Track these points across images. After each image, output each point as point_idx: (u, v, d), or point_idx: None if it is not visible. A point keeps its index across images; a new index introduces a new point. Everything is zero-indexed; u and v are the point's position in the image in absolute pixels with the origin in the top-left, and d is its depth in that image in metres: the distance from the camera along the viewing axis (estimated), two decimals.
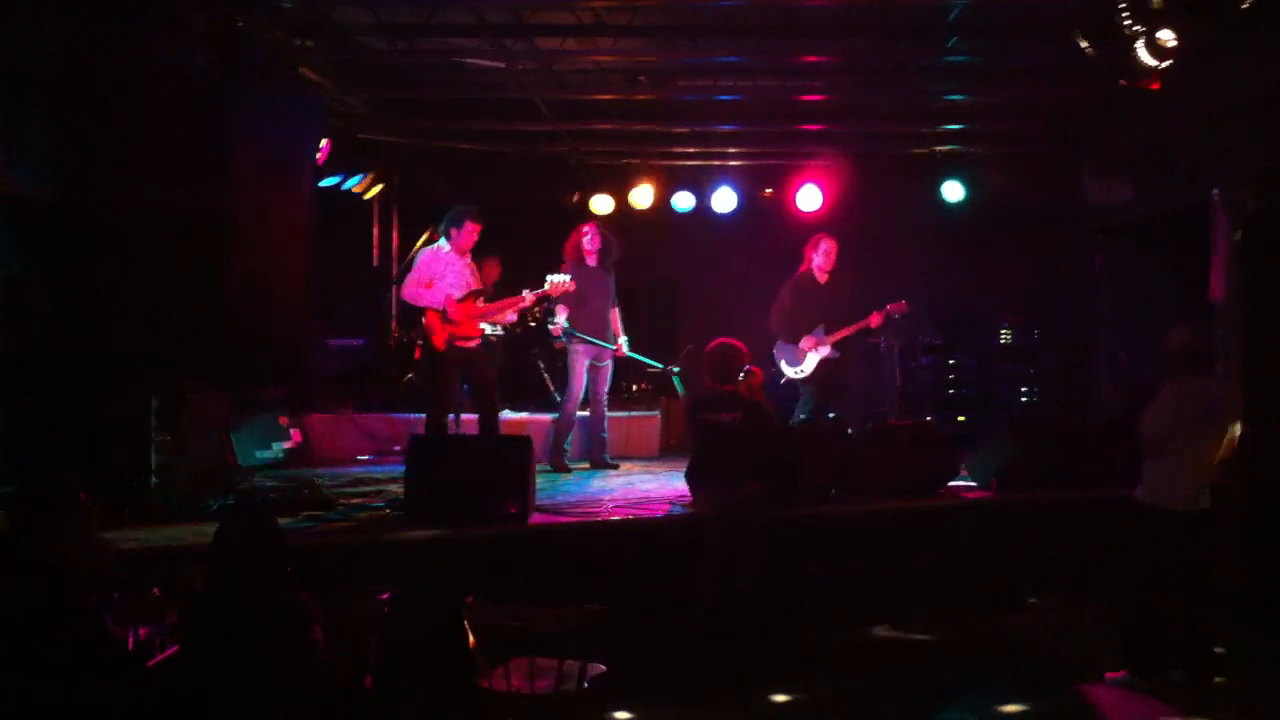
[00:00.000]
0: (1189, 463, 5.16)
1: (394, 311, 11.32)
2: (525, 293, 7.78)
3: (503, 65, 8.94)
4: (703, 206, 11.37)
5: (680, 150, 11.44)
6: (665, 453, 9.53)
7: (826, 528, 6.73)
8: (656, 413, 9.90)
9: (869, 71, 9.36)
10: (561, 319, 8.18)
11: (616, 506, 6.78)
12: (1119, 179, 9.88)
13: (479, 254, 7.99)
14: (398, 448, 8.69)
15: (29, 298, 6.80)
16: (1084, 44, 6.77)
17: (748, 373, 6.06)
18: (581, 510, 6.69)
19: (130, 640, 3.72)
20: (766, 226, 11.18)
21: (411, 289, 7.62)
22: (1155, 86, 6.75)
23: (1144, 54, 6.43)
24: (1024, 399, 10.99)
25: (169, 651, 3.71)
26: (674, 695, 5.29)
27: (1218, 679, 5.27)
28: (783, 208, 11.14)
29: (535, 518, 6.30)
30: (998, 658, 6.01)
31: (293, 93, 8.12)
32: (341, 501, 6.77)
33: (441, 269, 7.57)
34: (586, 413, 8.53)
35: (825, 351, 8.33)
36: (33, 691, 3.34)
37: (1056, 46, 7.52)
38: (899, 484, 7.13)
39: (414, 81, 9.89)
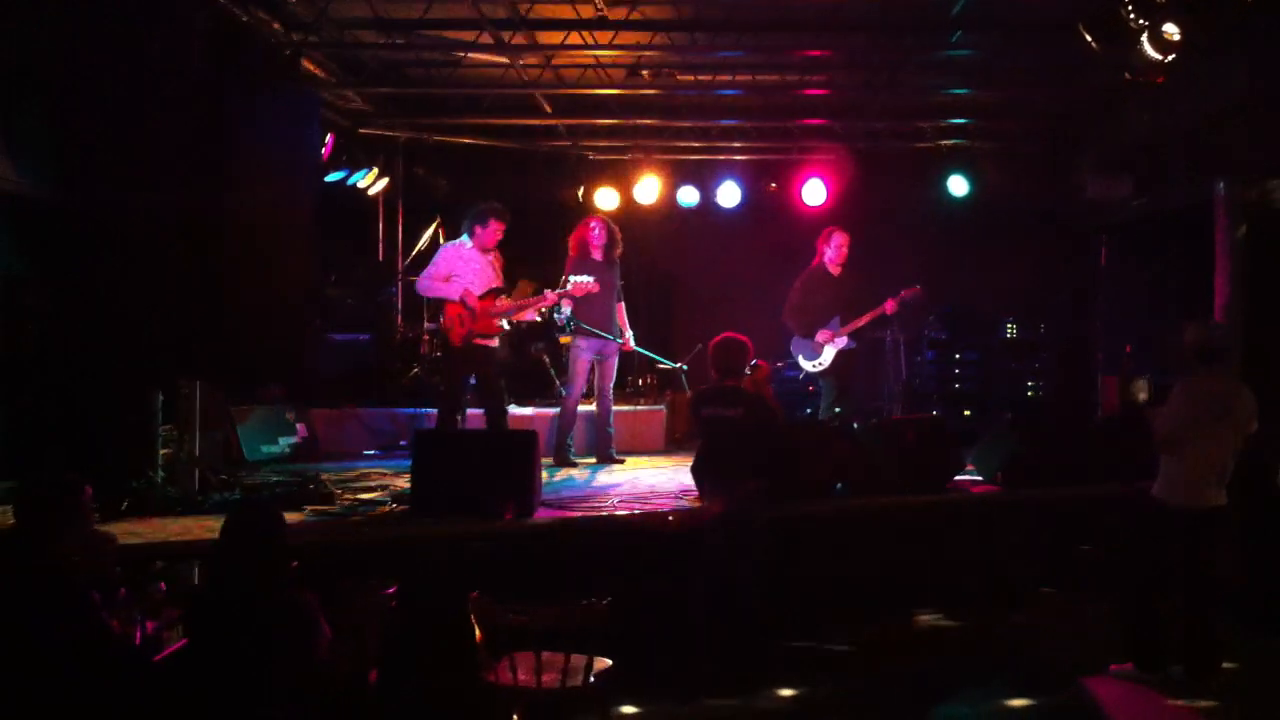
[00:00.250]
0: (1204, 460, 5.16)
1: (399, 306, 11.33)
2: (548, 292, 7.83)
3: (506, 61, 8.95)
4: (707, 201, 11.36)
5: (684, 145, 11.44)
6: (671, 447, 9.54)
7: (830, 523, 6.72)
8: (662, 407, 9.90)
9: (872, 66, 9.35)
10: (566, 311, 8.19)
11: (622, 501, 6.78)
12: (1119, 176, 9.87)
13: None
14: (403, 443, 8.70)
15: (29, 297, 6.81)
16: (1088, 38, 6.75)
17: (754, 366, 6.04)
18: (587, 505, 6.68)
19: (137, 635, 3.73)
20: (771, 221, 11.17)
21: (426, 282, 7.64)
22: (1159, 81, 6.74)
23: (1148, 48, 6.42)
24: (1029, 393, 10.99)
25: (176, 646, 3.73)
26: (677, 691, 5.29)
27: (1218, 676, 5.27)
28: (787, 202, 11.13)
29: (540, 513, 6.30)
30: (1001, 654, 6.01)
31: (292, 90, 8.12)
32: (347, 497, 6.77)
33: (462, 265, 7.60)
34: (592, 407, 8.53)
35: (843, 343, 8.35)
36: (34, 688, 3.36)
37: (1059, 42, 7.52)
38: (904, 480, 7.11)
39: (413, 78, 9.90)
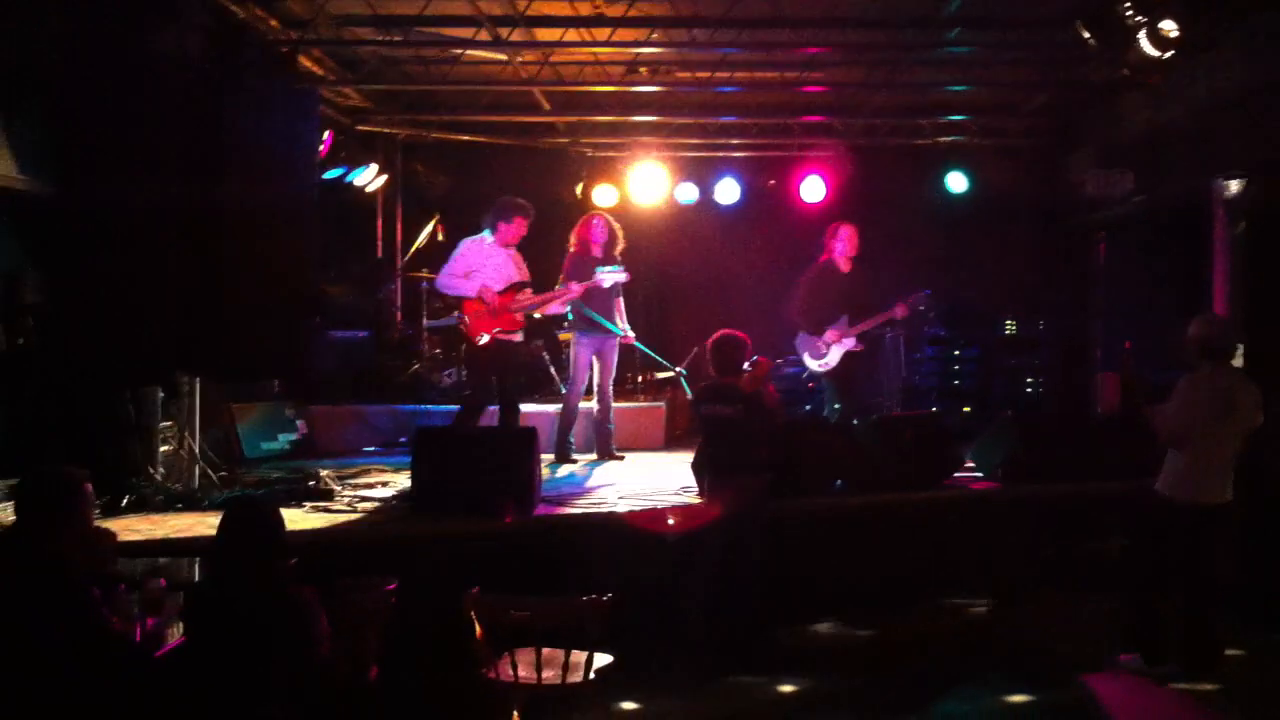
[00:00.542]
0: (1210, 455, 5.15)
1: (398, 303, 11.32)
2: (573, 285, 7.83)
3: (504, 57, 8.95)
4: (706, 198, 11.36)
5: (682, 142, 11.44)
6: (671, 443, 9.54)
7: (830, 520, 6.72)
8: (662, 404, 9.89)
9: (871, 63, 9.35)
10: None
11: (622, 498, 6.78)
12: (1118, 173, 9.87)
13: None
14: (403, 439, 8.70)
15: (29, 293, 6.80)
16: (1086, 35, 6.76)
17: (754, 363, 6.03)
18: (587, 502, 6.69)
19: (138, 631, 3.73)
20: (770, 218, 11.16)
21: (445, 279, 7.65)
22: (1157, 78, 6.75)
23: (1146, 45, 6.42)
24: (1028, 390, 10.99)
25: (176, 642, 3.73)
26: (677, 687, 5.30)
27: (1218, 672, 5.27)
28: (786, 199, 11.12)
29: (541, 509, 6.31)
30: (1000, 650, 6.01)
31: (290, 87, 8.12)
32: (347, 493, 6.78)
33: (482, 261, 7.61)
34: (593, 404, 8.53)
35: (850, 344, 8.17)
36: (34, 685, 3.35)
37: (1057, 39, 7.52)
38: (903, 476, 7.11)
39: (411, 74, 9.89)
